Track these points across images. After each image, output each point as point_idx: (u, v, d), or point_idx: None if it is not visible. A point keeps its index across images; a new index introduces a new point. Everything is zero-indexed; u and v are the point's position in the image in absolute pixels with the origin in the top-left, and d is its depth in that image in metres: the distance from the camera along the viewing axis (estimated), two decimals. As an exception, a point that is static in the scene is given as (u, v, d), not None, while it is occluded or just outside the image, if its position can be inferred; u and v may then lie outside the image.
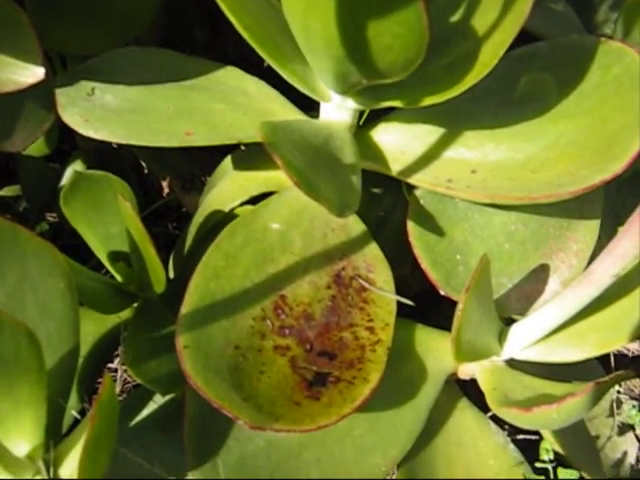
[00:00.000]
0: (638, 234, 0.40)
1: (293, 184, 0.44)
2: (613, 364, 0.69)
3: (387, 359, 0.50)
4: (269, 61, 0.49)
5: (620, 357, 0.74)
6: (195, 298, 0.50)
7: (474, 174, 0.53)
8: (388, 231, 0.63)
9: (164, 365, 0.54)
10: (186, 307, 0.49)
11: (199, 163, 0.73)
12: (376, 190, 0.63)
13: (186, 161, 0.73)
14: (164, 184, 0.77)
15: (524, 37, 0.58)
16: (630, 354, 0.74)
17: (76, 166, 0.72)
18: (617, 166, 0.48)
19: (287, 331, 0.51)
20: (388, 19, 0.40)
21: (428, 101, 0.49)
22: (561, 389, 0.50)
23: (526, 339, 0.52)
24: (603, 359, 0.71)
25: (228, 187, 0.60)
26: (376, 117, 0.58)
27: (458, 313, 0.45)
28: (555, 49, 0.54)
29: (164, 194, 0.77)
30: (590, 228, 0.57)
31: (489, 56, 0.45)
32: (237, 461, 0.52)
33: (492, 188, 0.51)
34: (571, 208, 0.57)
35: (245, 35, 0.47)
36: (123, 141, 0.52)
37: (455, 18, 0.49)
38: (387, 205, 0.63)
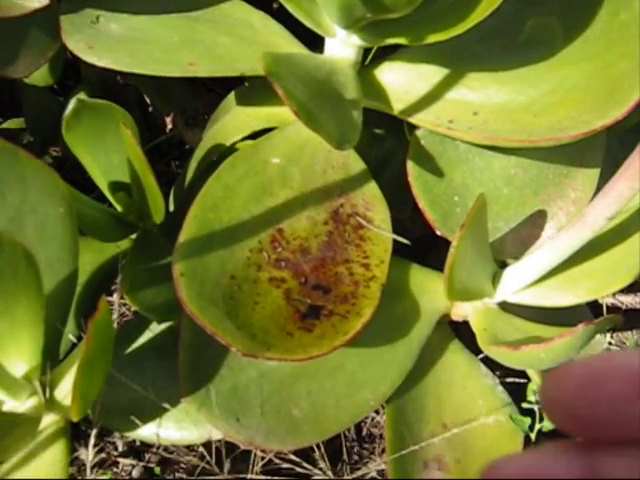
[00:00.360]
0: (633, 177, 0.40)
1: (294, 120, 0.44)
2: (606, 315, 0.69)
3: (380, 295, 0.51)
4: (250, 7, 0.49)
5: (613, 309, 0.75)
6: (193, 228, 0.50)
7: (476, 116, 0.53)
8: (389, 173, 0.63)
9: (161, 294, 0.54)
10: (184, 236, 0.50)
11: (203, 99, 0.73)
12: (379, 131, 0.63)
13: (190, 97, 0.73)
14: (168, 120, 0.77)
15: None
16: (623, 307, 0.75)
17: (80, 97, 0.71)
18: (618, 112, 0.48)
19: (283, 264, 0.51)
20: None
21: (432, 38, 0.49)
22: (551, 332, 0.50)
23: (519, 282, 0.53)
24: (596, 311, 0.72)
25: (231, 122, 0.60)
26: (382, 57, 0.58)
27: (452, 250, 0.46)
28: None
29: (167, 130, 0.77)
30: (590, 176, 0.57)
31: (494, -7, 0.45)
32: (230, 390, 0.53)
33: (493, 130, 0.51)
34: (572, 155, 0.57)
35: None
36: (126, 69, 0.52)
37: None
38: (390, 146, 0.63)
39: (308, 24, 0.52)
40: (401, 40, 0.50)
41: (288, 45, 0.56)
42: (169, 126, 0.77)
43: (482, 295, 0.54)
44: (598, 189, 0.64)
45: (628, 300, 0.74)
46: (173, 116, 0.75)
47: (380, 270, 0.52)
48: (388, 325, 0.54)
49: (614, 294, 0.76)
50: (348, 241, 0.53)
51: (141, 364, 0.57)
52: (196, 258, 0.49)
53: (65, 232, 0.51)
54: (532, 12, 0.54)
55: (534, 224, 0.56)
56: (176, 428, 0.56)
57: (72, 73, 0.77)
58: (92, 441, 0.50)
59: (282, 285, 0.51)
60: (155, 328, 0.57)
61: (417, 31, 0.49)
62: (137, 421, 0.54)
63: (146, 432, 0.56)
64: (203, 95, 0.73)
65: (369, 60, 0.59)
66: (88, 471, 0.51)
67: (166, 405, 0.54)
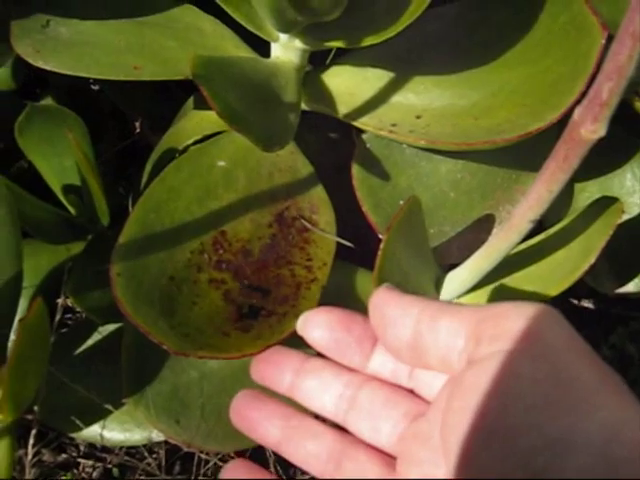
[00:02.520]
0: (550, 179, 0.40)
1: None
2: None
3: (320, 297, 0.51)
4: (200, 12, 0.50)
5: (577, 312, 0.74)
6: (134, 229, 0.51)
7: (419, 119, 0.53)
8: (346, 176, 0.63)
9: (107, 296, 0.55)
10: (124, 237, 0.50)
11: (169, 103, 0.73)
12: (333, 135, 0.63)
13: (156, 101, 0.73)
14: (137, 124, 0.78)
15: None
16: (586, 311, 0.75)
17: (47, 101, 0.72)
18: (553, 116, 0.48)
19: (224, 265, 0.52)
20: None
21: (368, 42, 0.49)
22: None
23: (461, 286, 0.53)
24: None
25: (185, 126, 0.60)
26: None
27: (379, 253, 0.46)
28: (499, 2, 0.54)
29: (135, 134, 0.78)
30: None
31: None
32: (170, 391, 0.53)
33: (434, 134, 0.51)
34: (521, 160, 0.57)
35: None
36: (71, 72, 0.53)
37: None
38: (345, 150, 0.63)
39: (250, 28, 0.52)
40: (339, 44, 0.51)
41: (236, 49, 0.56)
42: (138, 130, 0.77)
43: (424, 298, 0.53)
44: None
45: (590, 305, 0.74)
46: (140, 121, 0.76)
47: (322, 272, 0.52)
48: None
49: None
50: (292, 244, 0.54)
51: (90, 365, 0.58)
52: (135, 259, 0.50)
53: (8, 234, 0.51)
54: (476, 16, 0.55)
55: (481, 228, 0.56)
56: (120, 430, 0.56)
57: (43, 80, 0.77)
58: (31, 441, 0.51)
59: (222, 286, 0.51)
60: (104, 330, 0.58)
61: (353, 35, 0.50)
62: (80, 423, 0.54)
63: (91, 433, 0.56)
64: (169, 99, 0.73)
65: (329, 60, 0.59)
66: (27, 470, 0.52)
67: (109, 407, 0.54)
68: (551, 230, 0.54)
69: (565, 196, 0.65)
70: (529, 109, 0.50)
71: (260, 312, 0.50)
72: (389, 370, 0.40)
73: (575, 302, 0.74)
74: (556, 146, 0.39)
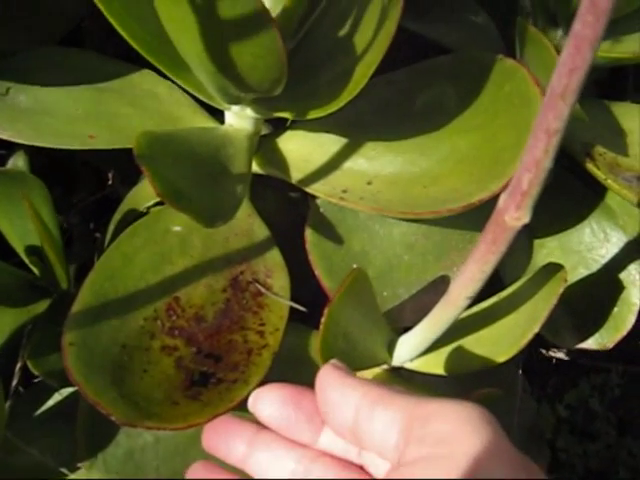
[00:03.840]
0: (481, 260, 0.41)
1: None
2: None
3: (271, 363, 0.52)
4: (163, 71, 0.50)
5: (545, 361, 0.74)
6: (88, 297, 0.51)
7: (370, 185, 0.53)
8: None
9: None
10: (77, 306, 0.51)
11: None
12: (293, 194, 0.64)
13: (126, 155, 0.74)
14: (110, 176, 0.79)
15: (436, 49, 0.59)
16: (554, 360, 0.75)
17: (18, 160, 0.73)
18: (497, 186, 0.48)
19: (177, 332, 0.52)
20: (247, 41, 0.41)
21: (312, 114, 0.50)
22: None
23: (413, 350, 0.53)
24: (527, 362, 0.72)
25: (145, 187, 0.61)
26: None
27: (321, 326, 0.46)
28: (455, 63, 0.55)
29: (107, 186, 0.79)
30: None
31: (361, 75, 0.46)
32: (125, 454, 0.53)
33: (383, 201, 0.52)
34: (475, 221, 0.57)
35: (135, 45, 0.48)
36: (28, 142, 0.54)
37: (341, 34, 0.49)
38: (305, 208, 0.64)
39: (202, 98, 0.53)
40: (287, 115, 0.52)
41: (192, 115, 0.57)
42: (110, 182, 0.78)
43: (375, 362, 0.54)
44: (512, 253, 0.64)
45: (560, 355, 0.74)
46: (112, 173, 0.77)
47: (274, 338, 0.53)
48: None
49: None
50: (246, 308, 0.54)
51: (51, 426, 0.58)
52: (88, 328, 0.50)
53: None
54: (427, 82, 0.55)
55: (436, 290, 0.57)
56: (75, 493, 0.57)
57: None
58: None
59: (174, 353, 0.52)
60: (65, 391, 0.59)
61: (300, 107, 0.50)
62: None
63: (48, 497, 0.57)
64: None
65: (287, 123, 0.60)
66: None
67: (65, 470, 0.55)
68: (503, 293, 0.54)
69: (524, 252, 0.65)
70: (475, 177, 0.51)
71: (210, 379, 0.51)
72: (339, 446, 0.41)
73: (543, 351, 0.74)
74: (485, 228, 0.40)
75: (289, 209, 0.63)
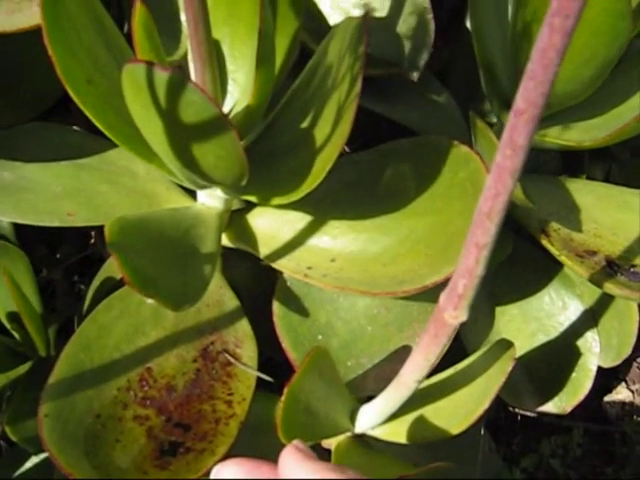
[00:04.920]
0: (426, 350, 0.43)
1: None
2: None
3: (238, 433, 0.54)
4: (134, 156, 0.53)
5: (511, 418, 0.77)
6: (64, 368, 0.54)
7: (333, 263, 0.56)
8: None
9: (43, 425, 0.58)
10: (54, 377, 0.53)
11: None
12: (265, 264, 0.66)
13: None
14: (93, 234, 0.82)
15: (400, 130, 0.62)
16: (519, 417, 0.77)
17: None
18: (448, 270, 0.51)
19: (148, 402, 0.55)
20: (208, 144, 0.44)
21: (276, 201, 0.52)
22: (395, 470, 0.54)
23: (374, 419, 0.56)
24: (495, 419, 0.75)
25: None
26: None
27: (281, 404, 0.49)
28: (415, 147, 0.57)
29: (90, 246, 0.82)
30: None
31: (319, 170, 0.49)
32: (98, 519, 0.56)
33: (344, 279, 0.55)
34: (435, 295, 0.60)
35: (110, 135, 0.51)
36: (10, 220, 0.57)
37: (303, 126, 0.52)
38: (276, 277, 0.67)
39: (174, 180, 0.56)
40: (253, 199, 0.54)
41: (167, 192, 0.60)
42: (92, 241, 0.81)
43: (338, 431, 0.56)
44: (476, 321, 0.67)
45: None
46: (95, 232, 0.80)
47: (241, 407, 0.56)
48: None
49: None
50: (215, 378, 0.57)
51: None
52: (63, 399, 0.53)
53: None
54: (389, 164, 0.58)
55: (398, 359, 0.59)
56: None
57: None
58: None
59: (146, 423, 0.54)
60: (43, 455, 0.61)
61: (263, 193, 0.53)
62: None
63: None
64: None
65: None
66: None
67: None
68: (459, 365, 0.57)
69: (487, 318, 0.68)
70: (430, 259, 0.53)
71: (179, 449, 0.53)
72: None
73: (510, 408, 0.77)
74: (428, 322, 0.43)
75: (262, 278, 0.65)
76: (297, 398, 0.50)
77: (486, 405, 0.51)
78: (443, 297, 0.41)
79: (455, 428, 0.53)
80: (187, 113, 0.43)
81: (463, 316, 0.41)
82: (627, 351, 0.67)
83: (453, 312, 0.40)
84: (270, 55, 0.48)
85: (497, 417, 0.78)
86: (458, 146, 0.55)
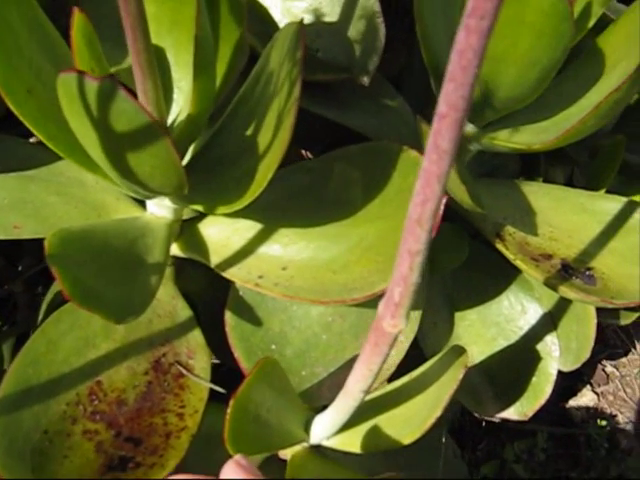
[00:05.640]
0: (369, 360, 0.43)
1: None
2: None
3: (189, 446, 0.53)
4: (77, 166, 0.52)
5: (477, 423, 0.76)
6: (11, 384, 0.53)
7: (284, 271, 0.56)
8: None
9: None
10: (0, 393, 0.53)
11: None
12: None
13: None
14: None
15: (352, 136, 0.62)
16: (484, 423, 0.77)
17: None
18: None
19: (98, 416, 0.54)
20: (143, 152, 0.43)
21: (221, 210, 0.52)
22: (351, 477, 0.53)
23: (328, 429, 0.55)
24: (460, 424, 0.74)
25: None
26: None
27: (227, 417, 0.48)
28: (365, 153, 0.57)
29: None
30: (410, 319, 0.60)
31: (261, 177, 0.48)
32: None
33: (295, 287, 0.54)
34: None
35: (51, 146, 0.51)
36: (-45, 232, 0.56)
37: (248, 133, 0.52)
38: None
39: (122, 189, 0.55)
40: (200, 208, 0.54)
41: (117, 203, 0.59)
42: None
43: (292, 441, 0.56)
44: (435, 326, 0.66)
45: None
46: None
47: (193, 420, 0.55)
48: (206, 473, 0.56)
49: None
50: (167, 390, 0.56)
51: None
52: (9, 415, 0.52)
53: None
54: (339, 170, 0.58)
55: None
56: None
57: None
58: None
59: (95, 437, 0.53)
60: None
61: (210, 202, 0.53)
62: None
63: None
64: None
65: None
66: None
67: None
68: (414, 373, 0.56)
69: (446, 324, 0.67)
70: (380, 266, 0.53)
71: (129, 464, 0.53)
72: None
73: (475, 414, 0.76)
74: (369, 332, 0.42)
75: (218, 287, 0.64)
76: (245, 409, 0.49)
77: (438, 413, 0.51)
78: (381, 306, 0.40)
79: (408, 437, 0.53)
80: (120, 122, 0.42)
81: (402, 324, 0.40)
82: (586, 354, 0.67)
83: (391, 321, 0.40)
84: (209, 62, 0.47)
85: (462, 422, 0.77)
86: (407, 151, 0.54)
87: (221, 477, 0.41)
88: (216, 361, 0.75)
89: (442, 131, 0.32)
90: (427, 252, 0.37)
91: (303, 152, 0.79)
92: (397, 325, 0.40)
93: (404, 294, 0.38)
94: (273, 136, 0.48)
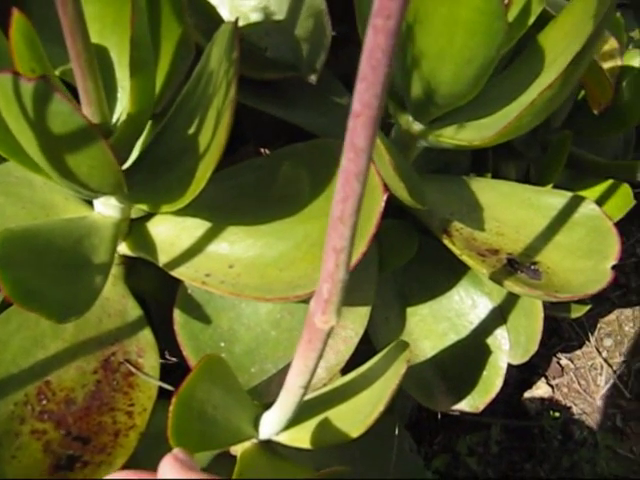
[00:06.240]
0: (305, 356, 0.43)
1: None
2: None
3: (137, 444, 0.54)
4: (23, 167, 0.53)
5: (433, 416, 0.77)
6: (-42, 385, 0.54)
7: (231, 269, 0.56)
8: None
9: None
10: (-53, 394, 0.53)
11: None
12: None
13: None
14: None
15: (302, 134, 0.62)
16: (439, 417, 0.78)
17: None
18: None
19: (46, 416, 0.54)
20: (80, 153, 0.44)
21: (165, 209, 0.52)
22: (298, 476, 0.53)
23: (276, 425, 0.55)
24: (417, 418, 0.75)
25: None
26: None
27: (170, 414, 0.48)
28: (310, 150, 0.57)
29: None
30: (360, 315, 0.60)
31: (201, 176, 0.48)
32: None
33: (241, 285, 0.54)
34: (341, 296, 0.60)
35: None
36: None
37: (190, 132, 0.52)
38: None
39: (67, 190, 0.56)
40: (145, 207, 0.54)
41: (65, 202, 0.59)
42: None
43: (241, 437, 0.56)
44: (387, 321, 0.67)
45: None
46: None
47: (141, 418, 0.55)
48: (155, 471, 0.57)
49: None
50: (116, 389, 0.56)
51: None
52: (-44, 416, 0.52)
53: None
54: (286, 167, 0.58)
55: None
56: None
57: None
58: None
59: (43, 437, 0.54)
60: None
61: (153, 201, 0.53)
62: None
63: None
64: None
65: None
66: None
67: None
68: (361, 368, 0.57)
69: (397, 319, 0.68)
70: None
71: (76, 463, 0.53)
72: None
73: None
74: (304, 327, 0.43)
75: (169, 285, 0.65)
76: (189, 405, 0.50)
77: (382, 407, 0.51)
78: (312, 303, 0.41)
79: (354, 431, 0.53)
80: (55, 124, 0.43)
81: (333, 321, 0.40)
82: (534, 348, 0.67)
83: (322, 317, 0.40)
84: (146, 61, 0.48)
85: (420, 417, 0.78)
86: (350, 148, 0.55)
87: (159, 471, 0.41)
88: (174, 359, 0.76)
89: (357, 130, 0.33)
90: (352, 249, 0.37)
91: (262, 151, 0.79)
92: (328, 321, 0.40)
93: (332, 291, 0.39)
94: (212, 135, 0.48)
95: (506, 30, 0.47)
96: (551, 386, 0.84)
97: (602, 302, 0.99)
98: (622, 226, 1.02)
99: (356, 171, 0.34)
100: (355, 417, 0.54)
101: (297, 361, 0.45)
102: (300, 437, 0.56)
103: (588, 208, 0.62)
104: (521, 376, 0.83)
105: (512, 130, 0.51)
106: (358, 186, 0.34)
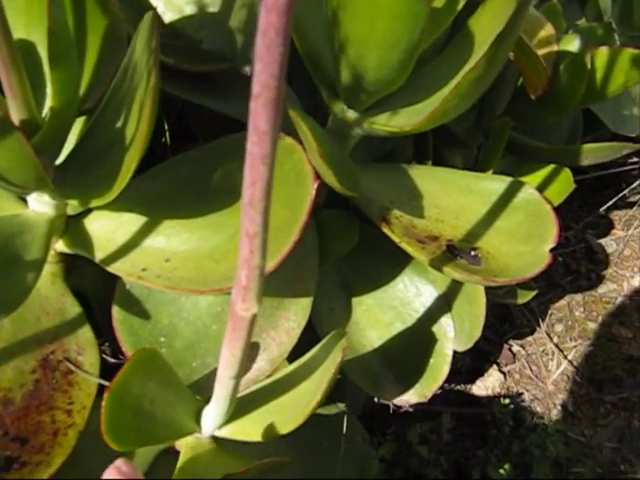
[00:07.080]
0: (231, 345, 0.43)
1: None
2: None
3: (77, 442, 0.53)
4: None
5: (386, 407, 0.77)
6: None
7: (167, 263, 0.55)
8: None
9: None
10: None
11: None
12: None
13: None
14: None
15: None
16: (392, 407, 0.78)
17: None
18: (271, 263, 0.51)
19: (-17, 417, 0.54)
20: (-1, 147, 0.43)
21: (94, 203, 0.52)
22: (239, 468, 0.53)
23: (217, 419, 0.55)
24: (370, 409, 0.75)
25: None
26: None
27: (102, 411, 0.48)
28: (244, 141, 0.57)
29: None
30: (302, 306, 0.60)
31: (126, 171, 0.48)
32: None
33: (177, 278, 0.54)
34: (282, 288, 0.60)
35: None
36: None
37: (118, 126, 0.51)
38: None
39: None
40: (76, 203, 0.53)
41: (7, 202, 0.58)
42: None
43: (183, 432, 0.56)
44: (332, 312, 0.67)
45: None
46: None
47: (81, 416, 0.55)
48: (95, 469, 0.56)
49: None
50: (55, 388, 0.56)
51: None
52: None
53: None
54: (221, 160, 0.58)
55: (246, 357, 0.59)
56: None
57: None
58: None
59: (-20, 439, 0.53)
60: None
61: (83, 196, 0.52)
62: None
63: None
64: None
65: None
66: None
67: None
68: (302, 359, 0.56)
69: (343, 310, 0.68)
70: (258, 254, 0.53)
71: (14, 464, 0.52)
72: None
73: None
74: (228, 316, 0.42)
75: (111, 282, 0.64)
76: (122, 400, 0.49)
77: (319, 398, 0.51)
78: (234, 291, 0.40)
79: (293, 423, 0.53)
80: (-29, 117, 0.42)
81: (254, 308, 0.40)
82: (477, 333, 0.67)
83: (243, 305, 0.40)
84: (66, 54, 0.47)
85: (373, 408, 0.78)
86: (283, 138, 0.55)
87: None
88: (120, 358, 0.75)
89: (258, 111, 0.32)
90: (266, 234, 0.37)
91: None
92: (249, 309, 0.40)
93: (250, 278, 0.39)
94: (136, 128, 0.47)
95: (428, 14, 0.47)
96: (503, 373, 0.85)
97: (553, 288, 1.00)
98: (572, 212, 1.03)
99: (261, 154, 0.34)
100: (295, 408, 0.54)
101: (224, 352, 0.45)
102: (242, 430, 0.56)
103: (527, 193, 0.62)
104: (473, 364, 0.83)
105: (440, 114, 0.51)
106: (265, 169, 0.34)
